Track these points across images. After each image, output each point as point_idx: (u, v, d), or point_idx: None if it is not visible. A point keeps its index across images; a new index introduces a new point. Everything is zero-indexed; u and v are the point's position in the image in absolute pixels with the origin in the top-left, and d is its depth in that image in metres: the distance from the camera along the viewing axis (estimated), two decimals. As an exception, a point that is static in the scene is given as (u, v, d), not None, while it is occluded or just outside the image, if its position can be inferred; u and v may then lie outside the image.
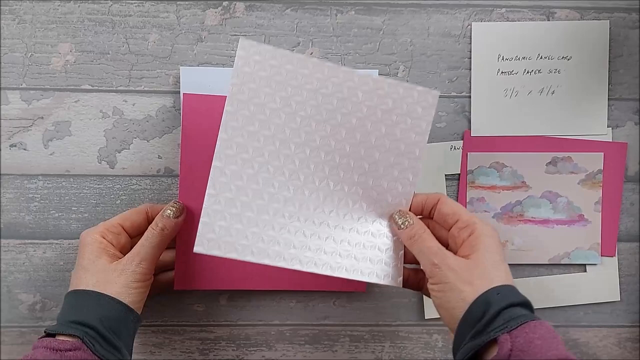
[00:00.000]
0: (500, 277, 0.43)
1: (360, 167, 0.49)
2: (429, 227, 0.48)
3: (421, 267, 0.47)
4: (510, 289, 0.43)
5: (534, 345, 0.39)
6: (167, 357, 0.57)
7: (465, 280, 0.43)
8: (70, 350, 0.43)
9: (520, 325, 0.40)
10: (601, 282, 0.58)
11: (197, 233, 0.46)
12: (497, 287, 0.42)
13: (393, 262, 0.49)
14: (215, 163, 0.46)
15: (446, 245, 0.47)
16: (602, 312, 0.58)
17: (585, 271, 0.58)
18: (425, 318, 0.58)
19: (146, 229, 0.51)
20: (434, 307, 0.46)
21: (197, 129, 0.53)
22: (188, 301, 0.57)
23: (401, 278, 0.49)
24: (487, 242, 0.44)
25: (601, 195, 0.57)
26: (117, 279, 0.47)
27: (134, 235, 0.51)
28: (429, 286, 0.45)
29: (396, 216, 0.49)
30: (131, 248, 0.50)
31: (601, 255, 0.57)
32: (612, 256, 0.58)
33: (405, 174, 0.49)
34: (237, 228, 0.47)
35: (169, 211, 0.50)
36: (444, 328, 0.58)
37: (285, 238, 0.48)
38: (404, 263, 0.50)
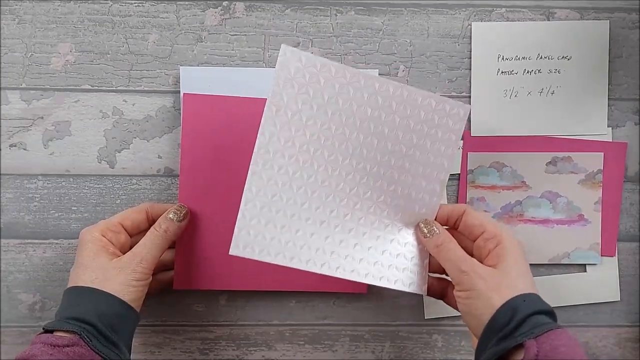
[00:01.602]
0: (526, 286, 0.44)
1: (390, 176, 0.50)
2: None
3: (447, 275, 0.48)
4: (535, 297, 0.44)
5: (559, 352, 0.40)
6: (167, 357, 0.57)
7: (493, 287, 0.44)
8: (67, 346, 0.43)
9: (545, 332, 0.41)
10: (601, 282, 0.58)
11: (234, 235, 0.47)
12: (523, 294, 0.44)
13: (418, 270, 0.51)
14: (252, 167, 0.47)
15: (471, 256, 0.48)
16: (602, 312, 0.58)
17: (585, 271, 0.58)
18: (425, 318, 0.58)
19: (146, 228, 0.51)
20: (461, 313, 0.47)
21: (197, 129, 0.53)
22: (188, 301, 0.57)
23: (426, 286, 0.51)
24: (513, 253, 0.46)
25: (601, 195, 0.57)
26: (116, 276, 0.47)
27: (134, 234, 0.51)
28: (456, 293, 0.47)
29: (422, 225, 0.50)
30: (131, 247, 0.50)
31: (601, 255, 0.57)
32: (612, 256, 0.58)
33: (433, 185, 0.51)
34: (270, 232, 0.47)
35: (172, 214, 0.50)
36: (444, 328, 0.58)
37: (316, 244, 0.48)
38: (428, 272, 0.51)
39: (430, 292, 0.52)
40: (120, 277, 0.47)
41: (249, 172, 0.47)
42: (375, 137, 0.49)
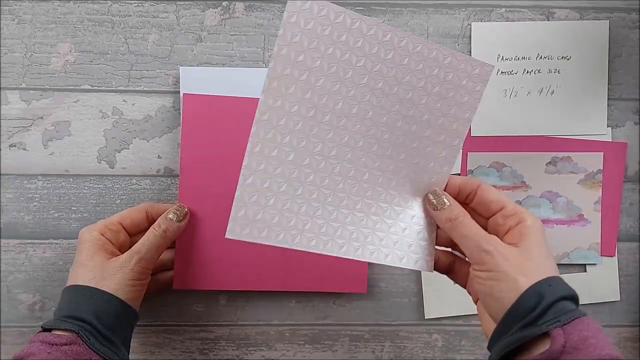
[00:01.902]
0: (551, 268, 0.42)
1: (402, 143, 0.46)
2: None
3: (464, 252, 0.45)
4: (560, 281, 0.41)
5: (589, 344, 0.38)
6: (167, 357, 0.57)
7: (519, 269, 0.41)
8: (65, 344, 0.43)
9: (572, 320, 0.39)
10: (601, 282, 0.58)
11: (230, 217, 0.43)
12: (548, 278, 0.41)
13: (426, 245, 0.47)
14: (252, 138, 0.42)
15: None
16: (602, 312, 0.58)
17: (585, 271, 0.58)
18: (425, 318, 0.58)
19: (145, 227, 0.51)
20: (478, 294, 0.44)
21: (197, 129, 0.53)
22: (188, 301, 0.57)
23: (432, 263, 0.47)
24: (536, 233, 0.43)
25: (601, 195, 0.57)
26: (114, 275, 0.47)
27: (134, 233, 0.51)
28: (475, 273, 0.43)
29: (430, 196, 0.46)
30: (130, 246, 0.50)
31: (601, 255, 0.57)
32: (612, 256, 0.58)
33: (445, 152, 0.46)
34: (271, 212, 0.44)
35: (172, 214, 0.50)
36: (444, 328, 0.58)
37: (320, 222, 0.45)
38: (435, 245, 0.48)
39: (436, 267, 0.48)
40: (118, 276, 0.47)
41: (249, 143, 0.42)
42: (389, 100, 0.44)
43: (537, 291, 0.40)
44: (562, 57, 0.56)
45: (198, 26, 0.55)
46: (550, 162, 0.57)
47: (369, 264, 0.55)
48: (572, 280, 0.58)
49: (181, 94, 0.54)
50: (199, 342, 0.57)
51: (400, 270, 0.58)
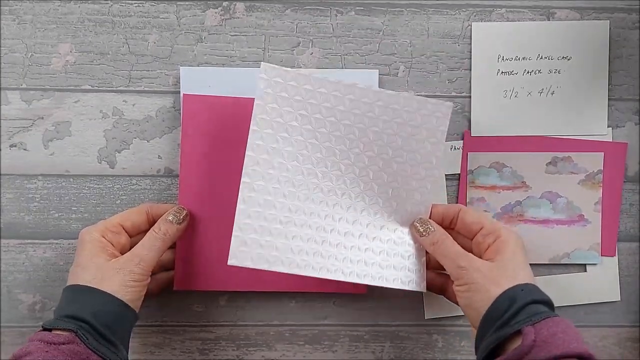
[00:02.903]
0: (525, 276, 0.46)
1: (380, 178, 0.51)
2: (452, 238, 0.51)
3: (446, 271, 0.49)
4: (533, 287, 0.45)
5: (557, 338, 0.41)
6: (167, 357, 0.57)
7: (491, 280, 0.45)
8: (63, 343, 0.43)
9: (543, 319, 0.42)
10: (601, 282, 0.58)
11: (230, 247, 0.48)
12: (521, 284, 0.45)
13: (416, 268, 0.52)
14: (244, 179, 0.48)
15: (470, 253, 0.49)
16: (602, 312, 0.58)
17: (585, 271, 0.58)
18: (425, 318, 0.58)
19: (146, 228, 0.51)
20: (461, 307, 0.48)
21: (197, 130, 0.53)
22: (188, 301, 0.57)
23: (424, 283, 0.52)
24: (512, 246, 0.47)
25: (601, 196, 0.57)
26: (113, 276, 0.47)
27: (134, 234, 0.51)
28: (455, 288, 0.47)
29: (417, 224, 0.51)
30: (131, 248, 0.50)
31: (601, 255, 0.57)
32: (612, 256, 0.58)
33: (423, 183, 0.52)
34: (267, 240, 0.49)
35: (172, 216, 0.51)
36: (444, 328, 0.58)
37: (312, 248, 0.50)
38: (428, 269, 0.52)
39: (431, 288, 0.53)
40: (117, 277, 0.47)
41: (241, 185, 0.48)
42: (360, 142, 0.51)
43: (509, 296, 0.44)
44: (562, 57, 0.56)
45: (198, 26, 0.55)
46: (550, 162, 0.57)
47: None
48: (572, 280, 0.58)
49: (181, 95, 0.54)
50: (199, 342, 0.57)
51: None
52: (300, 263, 0.49)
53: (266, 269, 0.49)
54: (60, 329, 0.44)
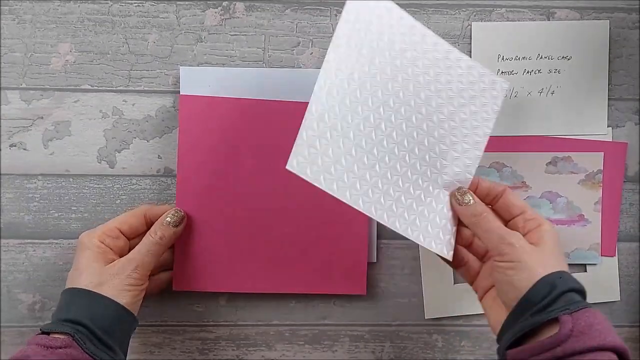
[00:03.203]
0: (564, 266, 0.46)
1: (429, 136, 0.50)
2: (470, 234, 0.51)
3: (485, 244, 0.48)
4: (570, 276, 0.45)
5: (594, 330, 0.41)
6: (167, 357, 0.57)
7: (537, 261, 0.45)
8: (60, 347, 0.43)
9: (580, 309, 0.42)
10: (601, 282, 0.58)
11: (292, 150, 0.46)
12: (561, 271, 0.45)
13: (448, 234, 0.51)
14: (317, 86, 0.46)
15: None
16: (602, 312, 0.58)
17: (585, 271, 0.58)
18: (425, 318, 0.58)
19: (144, 230, 0.51)
20: (496, 284, 0.47)
21: (194, 130, 0.53)
22: (188, 301, 0.57)
23: (452, 252, 0.51)
24: (552, 237, 0.47)
25: (601, 196, 0.57)
26: (111, 281, 0.47)
27: (132, 237, 0.51)
28: (497, 264, 0.46)
29: (457, 193, 0.50)
30: (129, 250, 0.50)
31: (601, 255, 0.57)
32: (612, 256, 0.58)
33: (468, 153, 0.51)
34: (326, 159, 0.47)
35: (168, 219, 0.51)
36: (445, 328, 0.58)
37: (364, 183, 0.48)
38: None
39: (456, 261, 0.51)
40: (115, 281, 0.47)
41: (315, 87, 0.46)
42: (416, 97, 0.49)
43: (550, 281, 0.44)
44: (562, 57, 0.56)
45: (198, 26, 0.55)
46: (550, 162, 0.57)
47: (368, 265, 0.55)
48: (572, 280, 0.58)
49: (181, 86, 0.54)
50: (199, 342, 0.57)
51: (401, 271, 0.58)
52: (350, 194, 0.48)
53: (318, 187, 0.47)
54: (57, 333, 0.44)
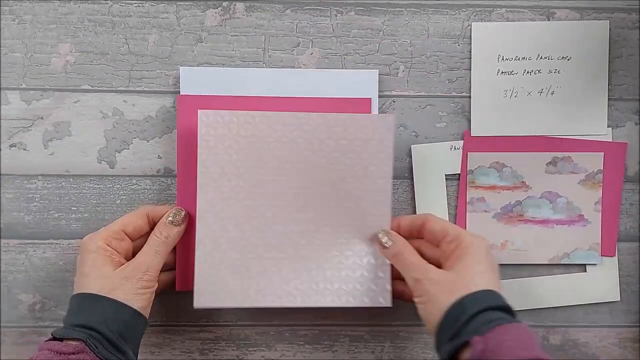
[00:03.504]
0: (482, 283, 0.45)
1: (336, 198, 0.52)
2: (420, 247, 0.50)
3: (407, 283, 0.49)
4: (489, 294, 0.44)
5: (506, 347, 0.40)
6: (167, 357, 0.57)
7: (445, 290, 0.45)
8: (73, 353, 0.43)
9: (495, 327, 0.42)
10: (601, 282, 0.58)
11: (195, 290, 0.51)
12: (474, 292, 0.44)
13: (381, 282, 0.52)
14: (198, 225, 0.51)
15: (438, 262, 0.48)
16: (602, 312, 0.58)
17: (585, 271, 0.58)
18: (425, 318, 0.58)
19: (147, 231, 0.51)
20: (421, 319, 0.47)
21: (193, 130, 0.53)
22: (188, 301, 0.57)
23: (390, 296, 0.52)
24: (472, 252, 0.46)
25: (601, 196, 0.57)
26: (122, 285, 0.47)
27: (136, 238, 0.51)
28: (414, 299, 0.47)
29: (380, 235, 0.51)
30: (133, 251, 0.50)
31: (601, 256, 0.57)
32: (612, 256, 0.58)
33: (380, 196, 0.52)
34: (230, 279, 0.51)
35: (171, 218, 0.51)
36: (444, 328, 0.58)
37: (276, 279, 0.52)
38: (398, 279, 0.52)
39: (404, 298, 0.52)
40: (126, 286, 0.47)
41: (197, 229, 0.51)
42: (312, 167, 0.52)
43: (460, 306, 0.43)
44: (562, 57, 0.56)
45: (198, 26, 0.55)
46: (550, 162, 0.57)
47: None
48: (572, 280, 0.58)
49: (181, 86, 0.54)
50: (199, 342, 0.57)
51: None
52: (265, 296, 0.51)
53: (234, 307, 0.52)
54: (70, 339, 0.44)
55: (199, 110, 0.50)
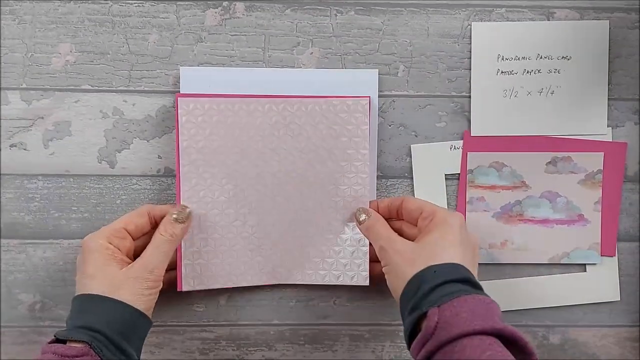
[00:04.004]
0: (447, 256, 0.45)
1: (317, 182, 0.54)
2: (402, 227, 0.52)
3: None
4: (452, 267, 0.44)
5: (460, 318, 0.40)
6: (167, 357, 0.57)
7: (409, 261, 0.45)
8: (77, 356, 0.43)
9: (453, 299, 0.42)
10: (601, 282, 0.58)
11: (182, 275, 0.52)
12: (436, 265, 0.44)
13: (360, 262, 0.54)
14: (183, 195, 0.52)
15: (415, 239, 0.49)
16: (601, 312, 0.58)
17: (585, 271, 0.58)
18: (425, 318, 0.58)
19: (148, 230, 0.51)
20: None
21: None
22: (188, 301, 0.57)
23: (367, 275, 0.54)
24: (442, 227, 0.47)
25: (601, 195, 0.57)
26: (128, 286, 0.46)
27: (137, 237, 0.51)
28: (383, 270, 0.48)
29: (357, 213, 0.52)
30: (135, 251, 0.50)
31: (601, 255, 0.57)
32: (611, 256, 0.58)
33: (359, 177, 0.54)
34: (215, 262, 0.53)
35: (176, 215, 0.50)
36: (444, 328, 0.58)
37: (259, 261, 0.54)
38: (373, 261, 0.54)
39: (379, 279, 0.52)
40: (132, 286, 0.46)
41: (182, 195, 0.52)
42: (294, 150, 0.53)
43: (420, 278, 0.44)
44: (562, 57, 0.56)
45: (198, 26, 0.55)
46: (550, 162, 0.57)
47: (370, 257, 0.55)
48: (572, 280, 0.58)
49: (181, 86, 0.54)
50: (199, 342, 0.57)
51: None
52: (247, 278, 0.54)
53: (218, 287, 0.53)
54: (73, 341, 0.44)
55: (178, 98, 0.51)
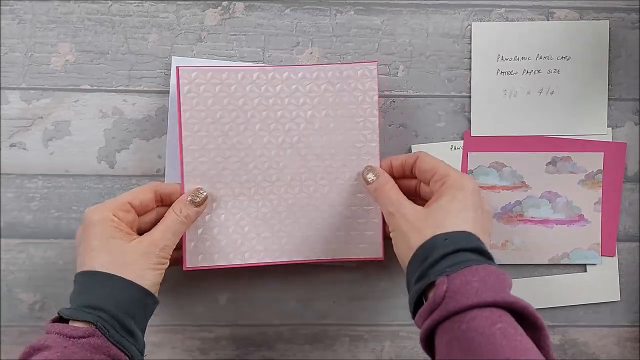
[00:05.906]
0: (458, 224, 0.43)
1: (324, 152, 0.52)
2: (416, 186, 0.50)
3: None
4: (464, 235, 0.42)
5: (470, 287, 0.39)
6: (167, 357, 0.57)
7: (416, 228, 0.43)
8: (83, 337, 0.42)
9: (462, 269, 0.40)
10: (601, 282, 0.58)
11: (187, 251, 0.51)
12: (447, 232, 0.42)
13: (372, 235, 0.52)
14: (185, 186, 0.50)
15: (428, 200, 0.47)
16: (601, 312, 0.58)
17: (585, 271, 0.58)
18: (425, 318, 0.58)
19: (153, 207, 0.50)
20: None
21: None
22: (188, 301, 0.57)
23: (381, 249, 0.52)
24: (453, 191, 0.44)
25: (601, 195, 0.57)
26: (136, 262, 0.45)
27: (142, 213, 0.50)
28: (390, 235, 0.47)
29: (364, 172, 0.50)
30: (139, 227, 0.49)
31: (601, 255, 0.57)
32: (612, 256, 0.58)
33: (369, 145, 0.52)
34: (222, 238, 0.51)
35: (191, 197, 0.49)
36: (444, 328, 0.58)
37: (266, 237, 0.52)
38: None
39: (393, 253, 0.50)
40: (141, 262, 0.45)
41: (184, 190, 0.50)
42: (300, 120, 0.51)
43: (430, 245, 0.42)
44: (562, 57, 0.56)
45: (198, 26, 0.55)
46: (550, 162, 0.57)
47: (384, 229, 0.53)
48: (572, 280, 0.58)
49: (173, 67, 0.53)
50: (199, 342, 0.57)
51: (401, 269, 0.57)
52: (254, 255, 0.51)
53: (225, 265, 0.51)
54: (79, 321, 0.43)
55: (179, 68, 0.49)
